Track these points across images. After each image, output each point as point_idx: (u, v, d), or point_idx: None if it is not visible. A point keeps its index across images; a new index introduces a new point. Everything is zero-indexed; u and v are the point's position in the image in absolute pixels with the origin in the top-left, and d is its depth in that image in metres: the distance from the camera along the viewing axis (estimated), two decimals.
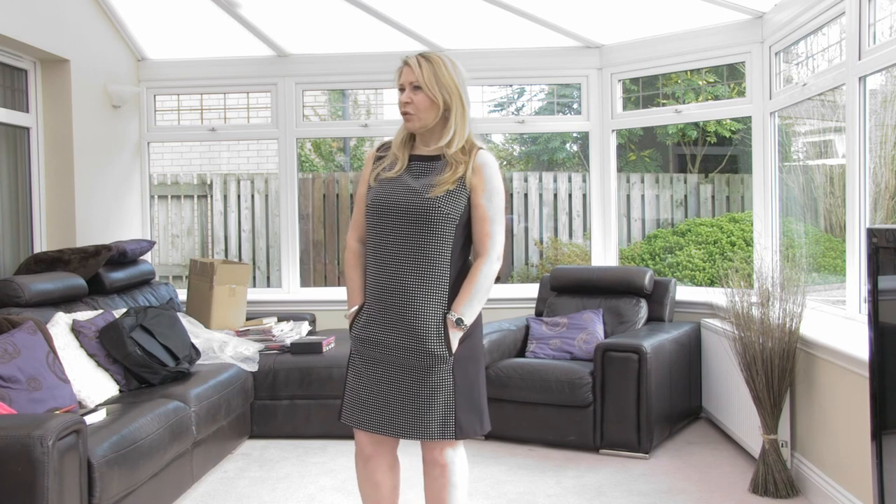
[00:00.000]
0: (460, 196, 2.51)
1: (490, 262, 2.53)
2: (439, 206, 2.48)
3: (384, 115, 8.77)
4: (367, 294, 2.59)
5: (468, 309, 2.51)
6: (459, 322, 2.49)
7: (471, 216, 2.54)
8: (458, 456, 2.63)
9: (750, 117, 4.89)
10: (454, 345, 2.50)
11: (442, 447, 2.58)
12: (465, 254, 2.59)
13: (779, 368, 3.61)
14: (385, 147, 2.68)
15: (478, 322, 2.61)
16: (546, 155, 9.53)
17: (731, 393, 4.35)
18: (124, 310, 4.09)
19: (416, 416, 2.52)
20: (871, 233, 2.20)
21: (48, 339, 3.41)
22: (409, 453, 3.00)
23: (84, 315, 3.92)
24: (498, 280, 7.81)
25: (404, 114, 2.55)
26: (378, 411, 2.56)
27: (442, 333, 2.49)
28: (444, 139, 2.54)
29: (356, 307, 2.62)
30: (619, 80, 5.54)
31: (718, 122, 8.22)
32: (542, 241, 7.84)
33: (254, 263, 7.85)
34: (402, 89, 2.55)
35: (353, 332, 2.61)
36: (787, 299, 3.62)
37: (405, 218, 2.50)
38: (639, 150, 9.04)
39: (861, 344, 2.97)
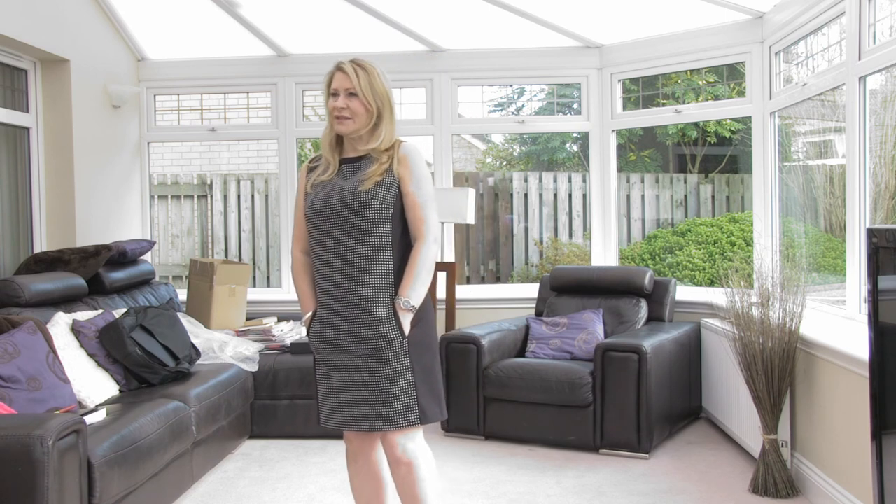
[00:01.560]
0: (390, 186, 2.63)
1: (427, 244, 2.65)
2: (371, 198, 2.59)
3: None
4: (318, 297, 2.70)
5: (413, 291, 2.61)
6: (406, 304, 2.60)
7: (404, 205, 2.65)
8: (420, 449, 2.69)
9: (750, 117, 4.89)
10: (406, 327, 2.61)
11: (403, 444, 2.65)
12: (405, 242, 2.68)
13: (779, 368, 3.61)
14: (317, 158, 2.80)
15: (428, 309, 2.71)
16: (546, 155, 9.53)
17: (731, 393, 4.35)
18: (124, 310, 4.09)
19: (380, 408, 2.61)
20: (871, 233, 2.20)
21: (48, 339, 3.41)
22: None
23: (84, 315, 3.92)
24: (497, 279, 7.86)
25: (338, 118, 2.64)
26: (348, 409, 2.66)
27: (392, 318, 2.59)
28: (373, 143, 2.67)
29: (310, 313, 2.72)
30: (619, 80, 5.54)
31: (718, 122, 8.22)
32: (542, 241, 7.85)
33: (254, 263, 7.85)
34: (334, 94, 2.65)
35: (311, 337, 2.71)
36: (787, 299, 3.62)
37: (341, 215, 2.61)
38: (639, 150, 9.04)
39: (861, 344, 2.97)
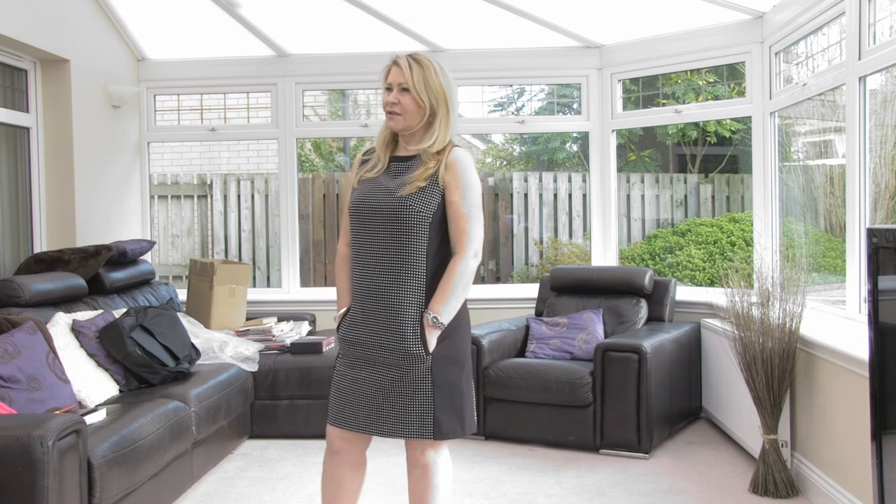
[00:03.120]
0: (433, 194, 2.52)
1: (466, 259, 2.52)
2: (411, 205, 2.49)
3: (384, 115, 8.74)
4: (352, 295, 2.63)
5: (445, 308, 2.50)
6: (436, 321, 2.50)
7: (446, 214, 2.54)
8: (441, 457, 2.63)
9: (750, 117, 4.89)
10: (431, 344, 2.51)
11: (424, 448, 2.59)
12: (443, 252, 2.57)
13: (779, 368, 3.61)
14: (370, 151, 2.71)
15: (461, 322, 2.61)
16: (546, 155, 9.53)
17: (731, 393, 4.35)
18: (124, 310, 4.09)
19: (395, 415, 2.53)
20: (871, 233, 2.20)
21: (48, 339, 3.41)
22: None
23: (84, 315, 3.92)
24: (497, 280, 7.86)
25: (389, 113, 2.57)
26: (359, 409, 2.58)
27: (418, 333, 2.50)
28: (426, 143, 2.56)
29: (343, 309, 2.67)
30: (619, 80, 5.54)
31: (718, 122, 8.22)
32: (542, 241, 7.84)
33: (254, 263, 7.85)
34: (389, 88, 2.58)
35: (339, 334, 2.65)
36: (787, 299, 3.62)
37: (380, 218, 2.52)
38: (639, 150, 9.04)
39: (861, 344, 2.97)
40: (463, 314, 2.61)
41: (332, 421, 2.63)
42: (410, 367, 2.52)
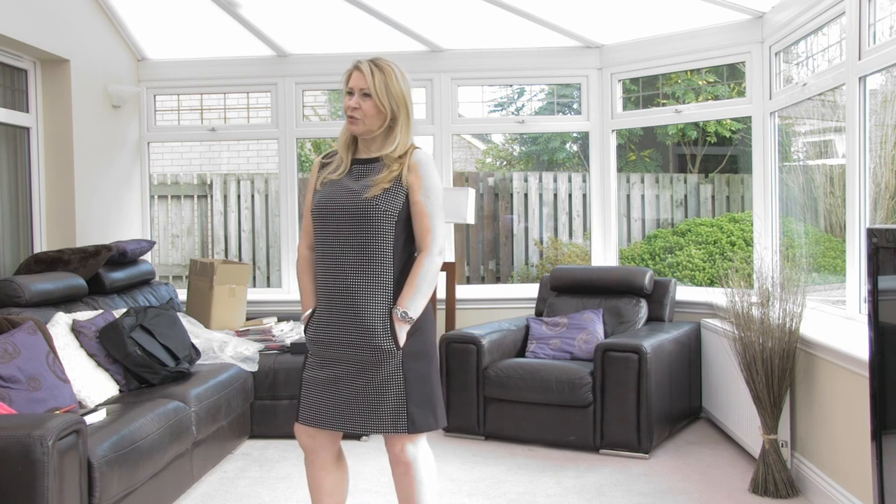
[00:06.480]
0: (398, 194, 2.58)
1: (432, 256, 2.60)
2: (376, 205, 2.55)
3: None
4: (318, 296, 2.67)
5: (412, 303, 2.57)
6: (404, 316, 2.56)
7: (410, 213, 2.60)
8: (421, 452, 2.67)
9: (750, 117, 4.89)
10: (401, 339, 2.57)
11: (402, 444, 2.63)
12: (409, 249, 2.64)
13: (779, 368, 3.61)
14: (330, 155, 2.76)
15: (428, 318, 2.67)
16: (546, 155, 9.53)
17: (731, 393, 4.35)
18: (124, 310, 4.09)
19: (369, 410, 2.58)
20: (871, 233, 2.20)
21: (48, 339, 3.41)
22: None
23: (84, 315, 3.92)
24: (497, 280, 7.86)
25: (350, 117, 2.60)
26: (331, 407, 2.62)
27: (388, 328, 2.56)
28: (387, 148, 2.62)
29: (309, 311, 2.70)
30: (619, 80, 5.54)
31: (718, 122, 8.22)
32: (542, 241, 7.85)
33: (254, 263, 7.85)
34: (350, 93, 2.61)
35: (308, 335, 2.69)
36: (787, 299, 3.62)
37: (345, 219, 2.57)
38: (639, 150, 9.04)
39: (861, 344, 2.97)
40: (429, 310, 2.67)
41: (302, 419, 2.67)
42: (381, 362, 2.57)
